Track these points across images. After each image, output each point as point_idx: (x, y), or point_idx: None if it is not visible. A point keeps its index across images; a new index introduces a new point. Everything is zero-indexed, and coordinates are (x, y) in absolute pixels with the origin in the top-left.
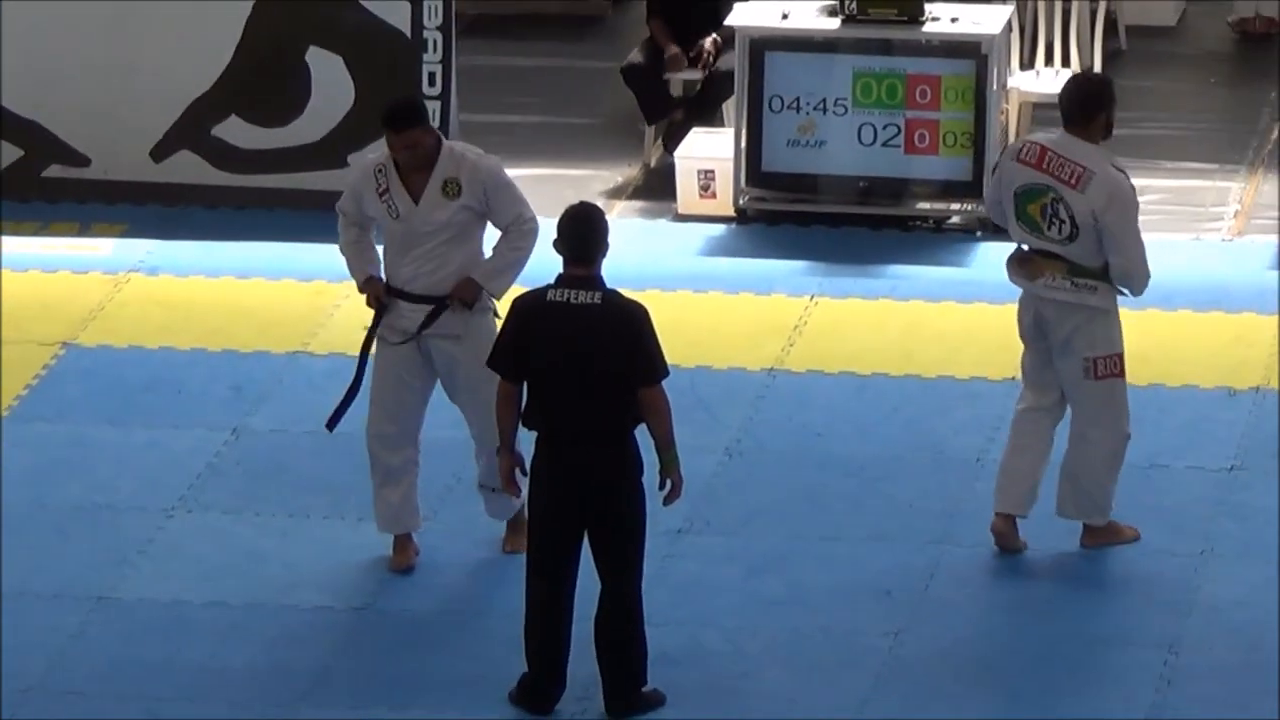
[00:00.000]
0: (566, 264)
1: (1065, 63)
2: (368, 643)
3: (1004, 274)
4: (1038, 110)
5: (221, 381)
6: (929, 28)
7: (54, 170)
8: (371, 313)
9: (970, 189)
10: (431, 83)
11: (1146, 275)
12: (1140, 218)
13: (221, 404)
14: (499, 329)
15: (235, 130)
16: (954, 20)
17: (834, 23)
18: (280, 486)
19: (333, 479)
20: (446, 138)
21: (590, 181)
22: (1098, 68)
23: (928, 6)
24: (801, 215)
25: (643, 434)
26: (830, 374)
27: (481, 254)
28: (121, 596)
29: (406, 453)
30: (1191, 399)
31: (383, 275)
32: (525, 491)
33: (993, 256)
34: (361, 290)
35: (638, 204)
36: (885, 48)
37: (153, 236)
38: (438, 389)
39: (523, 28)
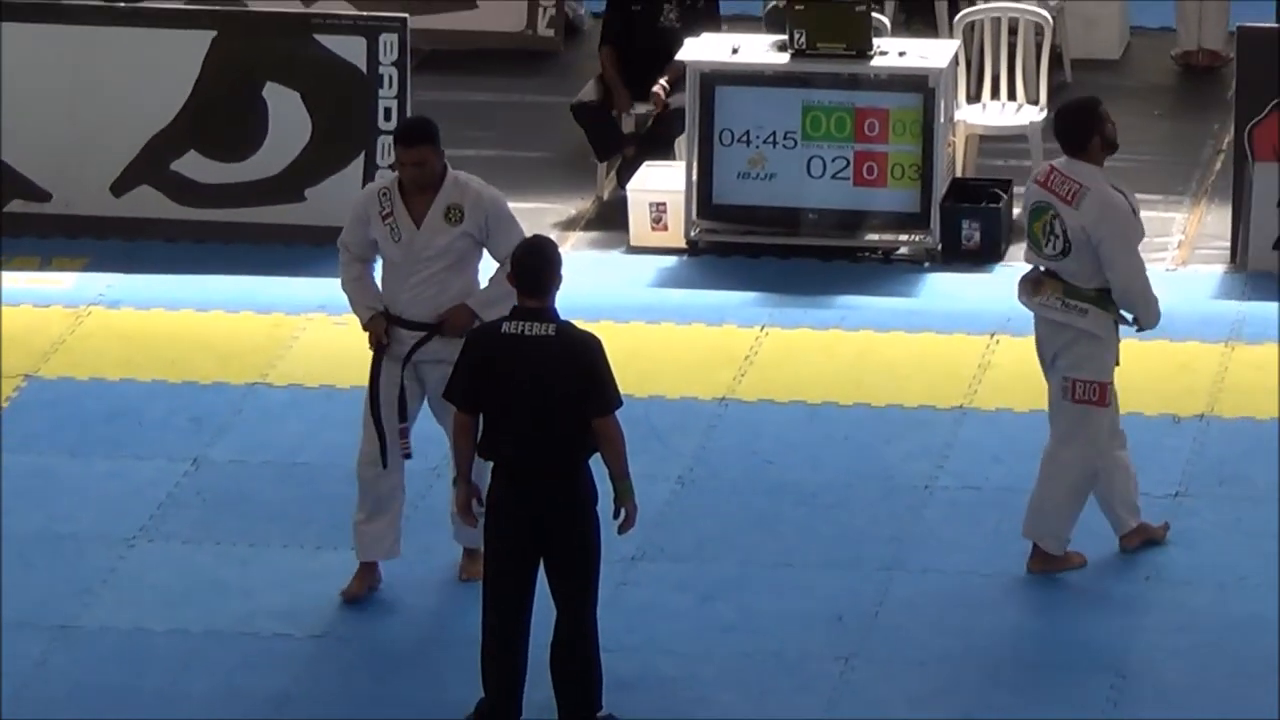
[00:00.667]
0: (521, 296)
1: (1011, 96)
2: (326, 670)
3: (951, 304)
4: (984, 143)
5: (181, 413)
6: (877, 62)
7: (15, 205)
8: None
9: (918, 220)
10: (387, 118)
11: (1150, 297)
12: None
13: (181, 435)
14: (458, 355)
15: (194, 165)
16: (901, 54)
17: (783, 57)
18: (240, 516)
19: (291, 508)
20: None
21: (544, 214)
22: (1044, 101)
23: (876, 41)
24: (752, 247)
25: (597, 463)
26: (781, 403)
27: (478, 283)
28: (84, 625)
29: (393, 479)
30: (1136, 426)
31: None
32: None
33: (940, 287)
34: (365, 329)
35: (591, 236)
36: (834, 82)
37: (113, 270)
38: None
39: (477, 63)
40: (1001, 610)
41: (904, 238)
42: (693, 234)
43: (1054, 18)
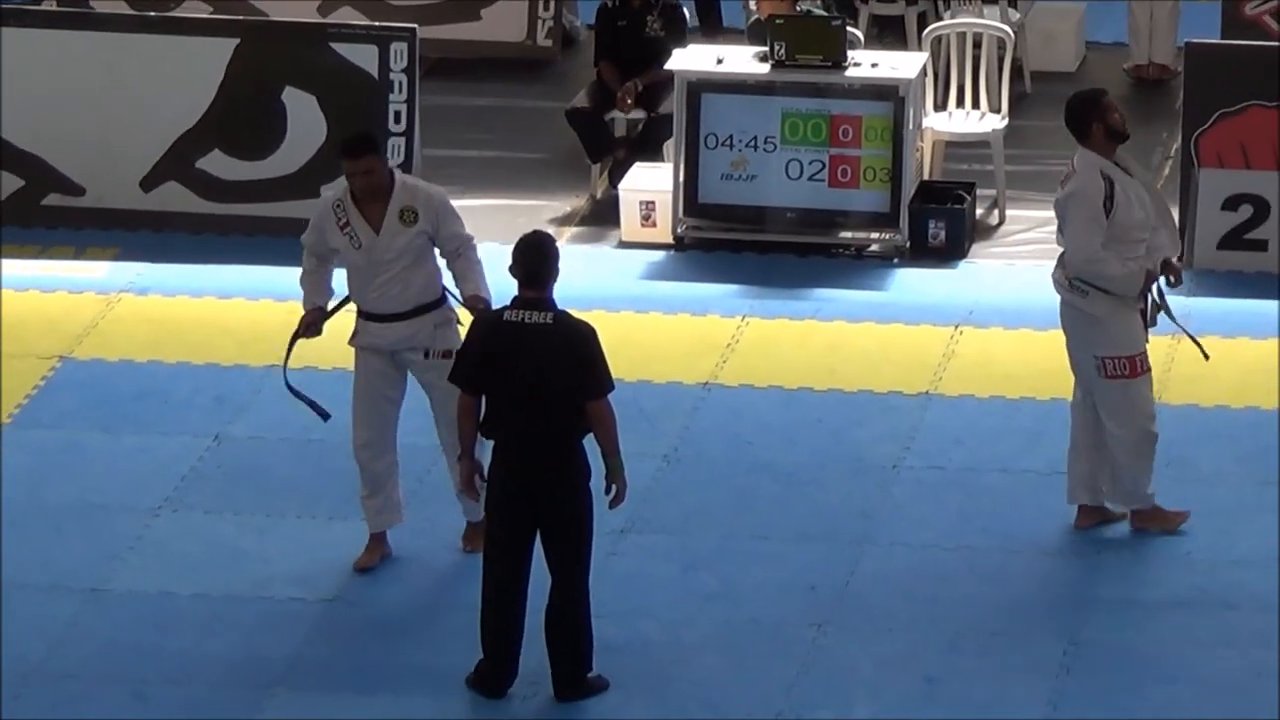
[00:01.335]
0: (521, 287)
1: (975, 105)
2: (337, 632)
3: (918, 298)
4: (950, 148)
5: (204, 392)
6: (851, 72)
7: (52, 199)
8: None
9: (888, 220)
10: (397, 120)
11: (1083, 258)
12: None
13: (204, 413)
14: (463, 342)
15: (218, 163)
16: (874, 65)
17: (764, 67)
18: (258, 488)
19: (306, 482)
20: (410, 170)
21: (541, 211)
22: (1004, 110)
23: (850, 53)
24: (734, 243)
25: (590, 442)
26: (760, 388)
27: (437, 271)
28: (112, 589)
29: (388, 458)
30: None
31: (328, 306)
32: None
33: (908, 282)
34: (305, 316)
35: (584, 231)
36: (811, 90)
37: (142, 260)
38: (411, 399)
39: (480, 70)
40: (963, 581)
41: (875, 236)
42: (679, 231)
43: (1015, 33)
